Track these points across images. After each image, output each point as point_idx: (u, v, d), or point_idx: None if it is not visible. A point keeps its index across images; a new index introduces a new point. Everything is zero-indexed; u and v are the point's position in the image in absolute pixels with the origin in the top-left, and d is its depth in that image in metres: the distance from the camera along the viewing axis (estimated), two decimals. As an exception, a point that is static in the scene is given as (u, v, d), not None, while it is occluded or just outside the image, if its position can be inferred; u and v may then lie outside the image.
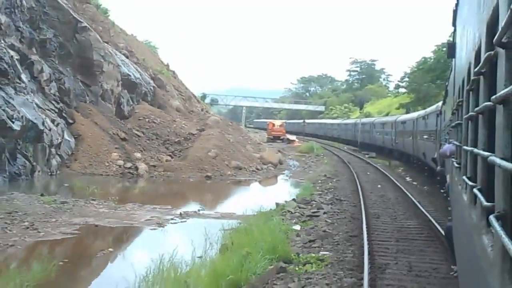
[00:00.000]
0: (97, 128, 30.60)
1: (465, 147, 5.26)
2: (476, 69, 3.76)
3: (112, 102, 33.87)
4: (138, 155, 30.37)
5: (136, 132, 33.04)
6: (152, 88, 40.66)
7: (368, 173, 31.55)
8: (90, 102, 32.56)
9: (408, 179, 28.44)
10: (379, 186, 24.80)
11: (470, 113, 4.61)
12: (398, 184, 24.26)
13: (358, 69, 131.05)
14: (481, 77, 3.62)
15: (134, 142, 31.78)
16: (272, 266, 10.50)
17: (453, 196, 8.44)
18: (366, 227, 13.69)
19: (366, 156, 46.23)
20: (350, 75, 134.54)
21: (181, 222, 17.39)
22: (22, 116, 24.18)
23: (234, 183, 29.50)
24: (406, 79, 75.66)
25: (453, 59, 9.75)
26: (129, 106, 35.84)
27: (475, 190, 3.54)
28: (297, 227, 14.85)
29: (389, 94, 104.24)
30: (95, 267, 11.86)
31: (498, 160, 2.38)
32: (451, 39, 8.91)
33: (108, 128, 31.29)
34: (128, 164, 29.21)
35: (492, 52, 2.87)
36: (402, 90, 79.83)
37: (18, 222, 14.99)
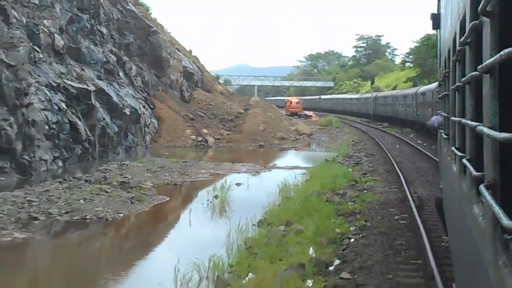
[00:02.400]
0: (171, 111, 38.90)
1: (453, 118, 5.18)
2: (461, 39, 3.73)
3: (177, 90, 42.15)
4: (205, 130, 38.70)
5: (199, 113, 41.31)
6: (200, 75, 48.82)
7: (386, 138, 39.55)
8: (162, 90, 40.82)
9: (419, 141, 36.44)
10: (397, 146, 32.85)
11: (457, 84, 4.55)
12: (412, 144, 32.34)
13: (364, 45, 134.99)
14: (467, 47, 3.60)
15: (200, 121, 40.08)
16: (346, 184, 18.76)
17: (443, 167, 8.50)
18: (397, 165, 21.95)
19: (380, 126, 54.11)
20: (357, 51, 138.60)
21: (268, 171, 25.70)
22: (129, 104, 32.47)
23: (281, 150, 37.74)
24: (412, 54, 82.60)
25: (438, 30, 9.86)
26: (188, 93, 44.09)
27: (464, 161, 3.57)
28: (350, 170, 23.08)
29: (395, 68, 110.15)
30: (240, 190, 19.90)
31: (486, 130, 2.36)
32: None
33: (179, 110, 39.60)
34: (199, 138, 37.55)
35: (477, 22, 2.83)
36: (408, 64, 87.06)
37: (171, 172, 23.32)
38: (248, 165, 27.38)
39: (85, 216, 14.63)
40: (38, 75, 24.15)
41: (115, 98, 30.91)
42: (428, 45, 66.03)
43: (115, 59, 34.72)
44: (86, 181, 19.34)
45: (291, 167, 27.00)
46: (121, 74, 34.58)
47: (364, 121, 62.87)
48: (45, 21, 26.92)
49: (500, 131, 2.20)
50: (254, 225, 13.65)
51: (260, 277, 8.95)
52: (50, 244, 12.78)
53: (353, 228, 11.86)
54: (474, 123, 2.98)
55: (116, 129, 30.60)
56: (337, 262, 9.45)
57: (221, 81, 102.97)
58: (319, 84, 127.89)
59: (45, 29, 26.64)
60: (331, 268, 9.09)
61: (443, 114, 8.14)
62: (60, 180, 19.45)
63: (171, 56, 41.48)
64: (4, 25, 22.80)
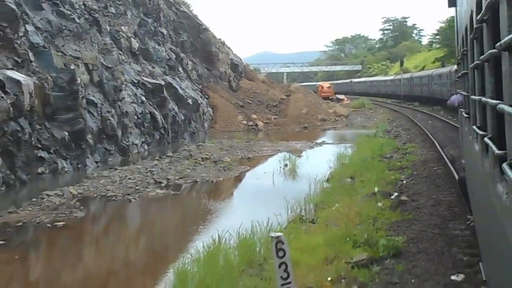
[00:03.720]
0: (223, 100, 43.58)
1: (472, 97, 5.10)
2: (478, 17, 3.67)
3: (226, 81, 46.84)
4: (254, 116, 43.28)
5: (247, 100, 45.92)
6: (243, 66, 53.35)
7: (419, 115, 43.41)
8: (213, 82, 45.52)
9: (449, 117, 40.24)
10: (429, 122, 36.81)
11: (476, 62, 4.48)
12: (443, 119, 36.25)
13: (391, 27, 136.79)
14: (484, 24, 3.56)
15: (248, 107, 44.68)
16: (391, 150, 23.04)
17: (465, 146, 8.49)
18: (431, 136, 26.08)
19: (411, 105, 57.73)
20: (383, 33, 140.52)
21: (319, 146, 30.13)
22: (190, 95, 37.21)
23: (324, 130, 42.05)
24: (438, 35, 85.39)
25: (455, 8, 9.75)
26: (235, 82, 48.72)
27: (486, 139, 3.53)
28: (391, 141, 27.29)
29: (423, 49, 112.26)
30: (302, 160, 24.26)
31: (507, 108, 2.33)
32: None
33: (230, 99, 44.26)
34: (250, 123, 42.16)
35: None
36: (435, 45, 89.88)
37: (240, 150, 27.94)
38: (301, 142, 31.85)
39: (195, 179, 19.36)
40: (123, 74, 28.97)
41: (180, 91, 35.67)
42: (453, 27, 68.59)
43: (174, 56, 39.47)
44: (179, 157, 24.10)
45: (339, 142, 31.33)
46: (180, 69, 39.34)
47: (395, 102, 66.45)
48: (122, 27, 31.72)
49: None
50: (325, 181, 18.07)
51: (344, 204, 13.39)
52: (179, 197, 17.45)
53: (403, 176, 16.21)
54: (494, 101, 2.92)
55: (183, 117, 35.39)
56: (396, 193, 13.83)
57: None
58: (347, 68, 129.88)
59: (124, 34, 31.46)
60: (392, 197, 13.47)
61: (463, 93, 8.11)
62: (158, 158, 24.26)
63: (220, 51, 46.14)
64: (98, 34, 27.64)
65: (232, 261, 9.17)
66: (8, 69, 19.65)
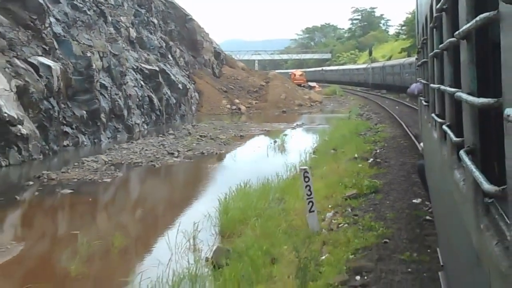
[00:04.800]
0: (209, 85, 46.97)
1: (432, 85, 5.21)
2: (438, 6, 3.75)
3: (210, 68, 50.16)
4: (237, 100, 46.84)
5: (230, 86, 49.40)
6: (224, 54, 56.68)
7: (387, 102, 47.68)
8: (198, 68, 48.81)
9: (415, 103, 44.57)
10: (397, 107, 41.03)
11: (435, 51, 4.58)
12: (409, 105, 40.47)
13: (359, 17, 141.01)
14: (443, 13, 3.61)
15: (231, 92, 48.19)
16: (365, 129, 26.99)
17: (424, 134, 8.87)
18: (398, 118, 30.17)
19: (379, 93, 62.04)
20: (352, 23, 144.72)
21: (299, 128, 33.95)
22: (180, 81, 40.50)
23: (301, 114, 45.91)
24: (405, 26, 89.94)
25: None
26: (218, 69, 52.08)
27: (444, 127, 3.60)
28: (364, 122, 31.28)
29: (390, 39, 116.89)
30: (288, 138, 27.96)
31: (464, 96, 2.38)
32: None
33: (214, 85, 47.68)
34: (233, 107, 45.71)
35: None
36: (402, 36, 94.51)
37: (231, 129, 31.50)
38: (283, 124, 35.61)
39: (202, 151, 22.91)
40: (127, 61, 32.12)
41: (172, 76, 38.94)
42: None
43: (164, 44, 42.60)
44: (181, 135, 27.55)
45: (317, 124, 35.22)
46: (169, 56, 42.52)
47: (364, 89, 70.85)
48: (122, 18, 34.76)
49: (479, 96, 2.19)
50: (311, 153, 21.83)
51: (332, 166, 17.17)
52: (193, 163, 20.98)
53: (377, 147, 20.10)
54: (453, 89, 2.98)
55: (174, 101, 38.70)
56: (372, 159, 17.68)
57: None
58: (316, 56, 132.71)
59: (123, 24, 34.52)
60: (369, 160, 17.31)
61: (423, 81, 8.26)
62: (162, 135, 27.67)
63: (204, 39, 49.43)
64: (105, 24, 30.71)
65: (258, 197, 12.82)
66: (39, 55, 22.72)
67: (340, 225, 10.11)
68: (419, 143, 19.61)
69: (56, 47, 24.25)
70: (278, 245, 9.04)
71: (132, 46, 35.43)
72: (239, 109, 45.67)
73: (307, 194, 10.03)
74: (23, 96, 20.80)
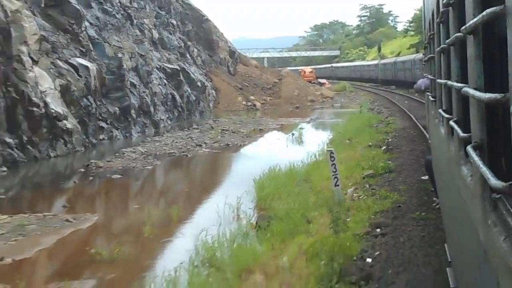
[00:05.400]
0: (225, 83, 49.05)
1: (439, 80, 5.21)
2: (445, 1, 3.77)
3: (225, 66, 52.25)
4: (252, 97, 48.87)
5: (245, 83, 51.46)
6: (238, 52, 58.74)
7: (396, 97, 49.46)
8: (214, 67, 50.91)
9: (423, 98, 46.35)
10: (406, 102, 42.84)
11: (442, 46, 4.60)
12: (418, 99, 42.26)
13: (367, 14, 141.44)
14: (450, 8, 3.61)
15: (246, 90, 50.25)
16: (376, 122, 28.91)
17: (431, 129, 8.98)
18: (408, 111, 32.06)
19: (388, 88, 63.68)
20: (361, 20, 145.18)
21: (313, 122, 35.92)
22: (199, 79, 42.60)
23: (313, 109, 47.85)
24: (413, 22, 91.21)
25: None
26: (232, 67, 54.14)
27: (451, 123, 3.58)
28: (375, 116, 33.17)
29: (398, 35, 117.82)
30: (304, 131, 29.95)
31: (471, 91, 2.37)
32: None
33: (230, 82, 49.75)
34: (249, 103, 47.75)
35: None
36: (410, 32, 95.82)
37: (250, 124, 33.53)
38: (298, 118, 37.60)
39: (227, 143, 24.97)
40: (152, 60, 34.25)
41: (191, 75, 41.04)
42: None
43: (183, 44, 44.71)
44: (205, 129, 29.64)
45: (330, 118, 37.17)
46: (188, 55, 44.62)
47: (373, 85, 72.53)
48: (145, 20, 36.89)
49: (485, 91, 2.18)
50: (327, 143, 23.80)
51: (349, 153, 19.15)
52: (221, 153, 23.04)
53: (389, 137, 22.05)
54: (459, 85, 2.96)
55: (194, 98, 40.82)
56: (384, 146, 19.64)
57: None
58: (325, 53, 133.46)
59: (147, 26, 36.64)
60: (383, 148, 19.26)
61: (430, 76, 8.22)
62: (187, 129, 29.76)
63: (220, 39, 51.53)
64: (131, 27, 32.85)
65: (287, 178, 14.85)
66: (77, 57, 24.88)
67: (360, 197, 12.13)
68: (427, 132, 21.57)
69: (91, 49, 26.39)
70: (310, 212, 11.06)
71: (155, 47, 37.54)
72: (254, 105, 47.70)
73: (332, 171, 12.05)
74: (66, 94, 22.95)
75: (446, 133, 4.31)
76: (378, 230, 9.24)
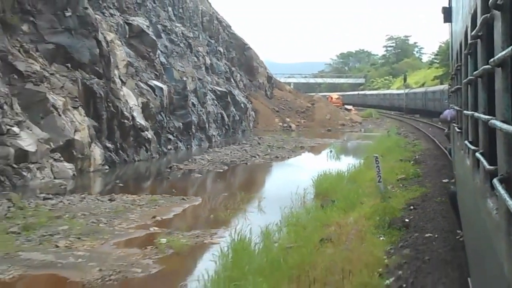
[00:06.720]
0: (263, 105, 53.79)
1: (465, 112, 5.17)
2: (473, 33, 3.72)
3: (263, 90, 57.09)
4: (288, 119, 53.44)
5: (281, 107, 56.13)
6: (274, 78, 63.64)
7: (421, 124, 53.43)
8: (253, 91, 55.76)
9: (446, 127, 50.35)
10: (430, 129, 46.83)
11: (469, 77, 4.56)
12: (441, 127, 46.25)
13: (393, 44, 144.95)
14: (478, 40, 3.60)
15: (282, 112, 54.89)
16: (404, 144, 33.07)
17: (456, 161, 8.87)
18: (432, 136, 36.15)
19: (412, 117, 67.44)
20: (386, 50, 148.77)
21: (346, 142, 40.21)
22: (242, 101, 47.34)
23: (344, 132, 52.13)
24: (438, 55, 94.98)
25: (450, 24, 10.15)
26: (269, 91, 58.96)
27: (477, 154, 3.54)
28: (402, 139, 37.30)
29: (423, 66, 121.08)
30: (341, 149, 34.19)
31: (498, 123, 2.35)
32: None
33: (268, 105, 54.49)
34: (285, 124, 52.30)
35: (488, 15, 2.85)
36: (435, 64, 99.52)
37: (288, 142, 37.90)
38: (331, 139, 41.93)
39: (276, 156, 29.42)
40: (207, 84, 39.08)
41: (236, 97, 45.84)
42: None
43: (228, 69, 49.65)
44: (254, 144, 34.16)
45: (361, 140, 41.43)
46: (232, 80, 49.51)
47: (397, 113, 76.49)
48: (199, 48, 41.91)
49: None
50: (363, 159, 28.03)
51: (382, 164, 23.36)
52: (274, 162, 27.43)
53: (416, 155, 26.25)
54: (486, 117, 2.95)
55: (238, 118, 45.52)
56: (413, 161, 23.80)
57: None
58: (350, 81, 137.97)
59: (201, 53, 41.65)
60: (411, 162, 23.42)
61: (456, 107, 8.25)
62: (238, 144, 34.32)
63: (259, 65, 56.49)
64: (190, 54, 37.82)
65: (337, 179, 19.16)
66: (153, 79, 29.75)
67: (397, 191, 16.40)
68: (449, 154, 25.70)
69: (163, 72, 31.29)
70: (361, 198, 15.35)
71: (207, 72, 42.46)
72: (290, 126, 52.23)
73: (377, 171, 16.36)
74: (145, 110, 27.74)
75: (472, 165, 4.28)
76: (411, 207, 13.52)
